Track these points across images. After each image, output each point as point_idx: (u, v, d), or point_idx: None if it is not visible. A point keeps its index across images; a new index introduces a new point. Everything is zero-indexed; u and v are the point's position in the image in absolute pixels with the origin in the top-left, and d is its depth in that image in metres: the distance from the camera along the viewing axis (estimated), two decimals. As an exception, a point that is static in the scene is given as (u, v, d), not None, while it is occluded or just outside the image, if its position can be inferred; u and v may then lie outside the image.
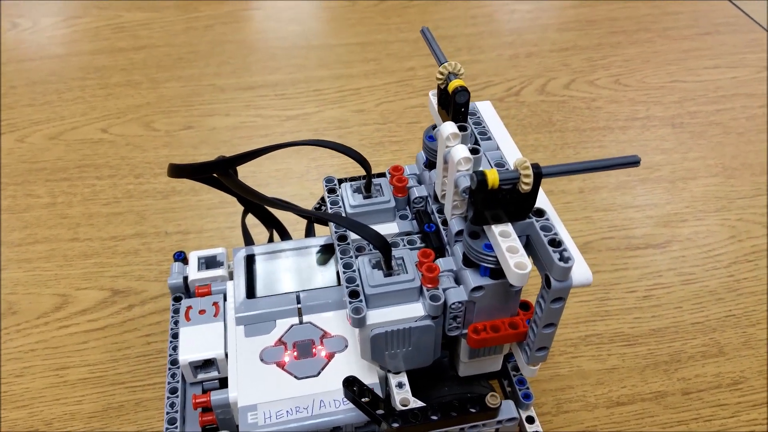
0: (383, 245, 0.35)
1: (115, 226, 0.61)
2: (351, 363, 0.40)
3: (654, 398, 0.48)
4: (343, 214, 0.40)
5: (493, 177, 0.29)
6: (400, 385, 0.37)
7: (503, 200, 0.31)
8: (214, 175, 0.41)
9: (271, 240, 0.51)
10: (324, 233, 0.49)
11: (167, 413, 0.40)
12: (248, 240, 0.50)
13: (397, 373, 0.38)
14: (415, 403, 0.36)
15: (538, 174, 0.29)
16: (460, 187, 0.33)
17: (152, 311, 0.54)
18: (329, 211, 0.41)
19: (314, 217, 0.47)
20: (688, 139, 0.72)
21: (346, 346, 0.41)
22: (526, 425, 0.42)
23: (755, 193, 0.65)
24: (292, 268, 0.45)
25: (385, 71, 0.83)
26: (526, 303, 0.36)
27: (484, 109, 0.40)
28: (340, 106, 0.77)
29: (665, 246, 0.60)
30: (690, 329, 0.53)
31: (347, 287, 0.35)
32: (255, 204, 0.48)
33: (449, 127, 0.34)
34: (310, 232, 0.51)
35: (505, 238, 0.31)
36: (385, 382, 0.39)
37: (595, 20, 0.94)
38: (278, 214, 0.50)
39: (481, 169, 0.30)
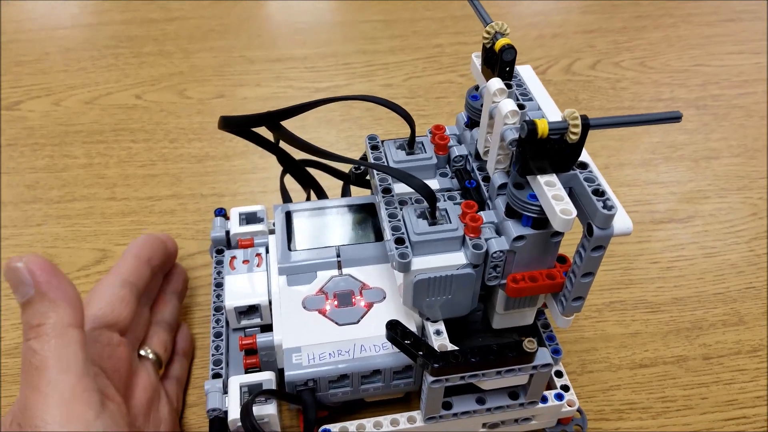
0: (429, 194, 0.36)
1: (152, 188, 0.63)
2: (389, 312, 0.42)
3: (676, 362, 0.50)
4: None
5: (543, 126, 0.31)
6: (438, 333, 0.39)
7: (550, 150, 0.32)
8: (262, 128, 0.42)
9: (308, 200, 0.52)
10: (359, 195, 0.51)
11: (212, 355, 0.42)
12: (286, 198, 0.52)
13: (435, 321, 0.40)
14: (454, 350, 0.38)
15: (586, 125, 0.31)
16: (506, 139, 0.34)
17: (190, 267, 0.55)
18: (372, 166, 0.42)
19: (360, 168, 0.48)
20: (712, 121, 0.74)
21: (384, 298, 0.43)
22: (555, 379, 0.43)
23: (777, 174, 0.66)
24: (330, 224, 0.47)
25: (412, 47, 0.85)
26: (562, 256, 0.38)
27: (525, 72, 0.42)
28: (369, 80, 0.79)
29: (688, 221, 0.61)
30: (711, 299, 0.54)
31: (393, 234, 0.36)
32: (293, 164, 0.50)
33: (496, 83, 0.36)
34: (346, 194, 0.53)
35: (550, 188, 0.32)
36: (421, 332, 0.41)
37: (619, 4, 0.95)
38: (315, 175, 0.52)
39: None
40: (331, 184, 0.52)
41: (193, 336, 0.50)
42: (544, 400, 0.41)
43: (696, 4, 0.96)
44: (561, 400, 0.41)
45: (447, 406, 0.39)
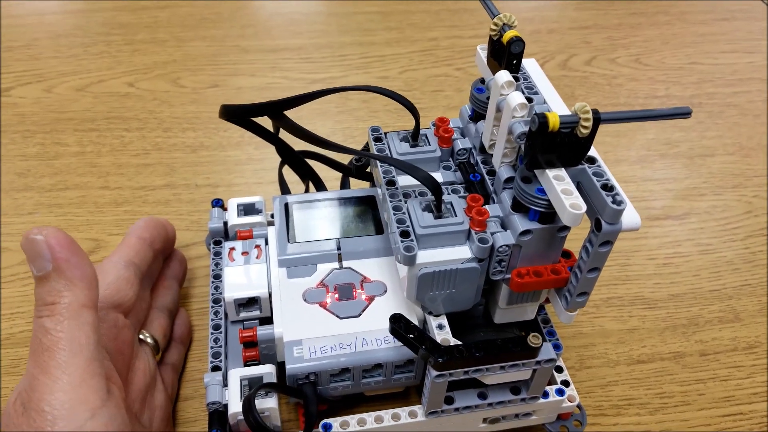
0: (435, 187, 0.36)
1: (145, 177, 0.62)
2: (391, 306, 0.42)
3: (673, 358, 0.50)
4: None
5: (554, 119, 0.30)
6: (440, 327, 0.39)
7: (560, 144, 0.32)
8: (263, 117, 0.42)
9: (307, 191, 0.52)
10: (358, 187, 0.50)
11: (211, 347, 0.41)
12: (285, 190, 0.51)
13: (438, 315, 0.39)
14: (456, 344, 0.37)
15: (597, 119, 0.31)
16: (515, 133, 0.34)
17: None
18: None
19: (361, 160, 0.48)
20: (706, 119, 0.74)
21: (386, 291, 0.43)
22: (555, 375, 0.43)
23: (771, 172, 0.67)
24: (330, 217, 0.46)
25: (408, 40, 0.84)
26: (567, 251, 0.38)
27: (530, 65, 0.41)
28: (364, 72, 0.78)
29: (684, 218, 0.61)
30: (708, 296, 0.54)
31: (398, 227, 0.36)
32: (292, 156, 0.49)
33: (504, 76, 0.35)
34: (345, 186, 0.52)
35: (559, 182, 0.32)
36: (423, 326, 0.41)
37: (614, 1, 0.95)
38: (313, 167, 0.51)
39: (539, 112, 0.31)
40: (328, 175, 0.52)
41: (192, 322, 0.50)
42: (545, 395, 0.41)
43: (690, 3, 0.96)
44: (562, 396, 0.41)
45: (449, 400, 0.39)
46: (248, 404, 0.35)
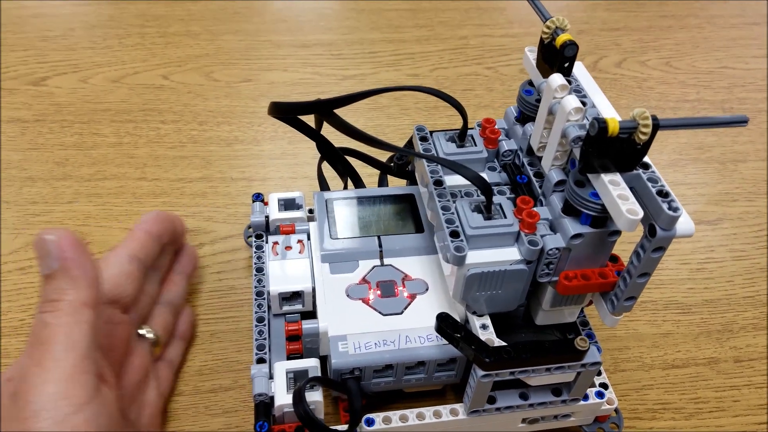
0: (486, 188, 0.36)
1: (182, 169, 0.63)
2: (433, 304, 0.42)
3: (707, 363, 0.50)
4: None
5: (613, 124, 0.31)
6: (484, 327, 0.39)
7: (616, 149, 0.32)
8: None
9: (345, 188, 0.52)
10: (395, 185, 0.51)
11: (256, 340, 0.42)
12: (324, 186, 0.51)
13: (481, 315, 0.40)
14: (500, 344, 0.38)
15: (656, 125, 0.31)
16: (569, 137, 0.34)
17: (222, 250, 0.55)
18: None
19: (402, 158, 0.48)
20: (738, 124, 0.73)
21: (427, 289, 0.43)
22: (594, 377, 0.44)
23: (804, 179, 0.67)
24: (370, 214, 0.47)
25: (438, 38, 0.84)
26: (614, 256, 0.38)
27: (577, 69, 0.41)
28: (395, 70, 0.78)
29: (717, 223, 0.61)
30: (741, 302, 0.54)
31: (447, 227, 0.36)
32: (333, 152, 0.49)
33: (558, 79, 0.36)
34: (382, 184, 0.52)
35: (615, 187, 0.32)
36: (465, 325, 0.41)
37: (644, 3, 0.95)
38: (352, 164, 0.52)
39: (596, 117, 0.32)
40: (363, 172, 0.52)
41: (196, 320, 0.50)
42: (585, 397, 0.41)
43: (721, 6, 0.95)
44: (602, 398, 0.42)
45: (491, 400, 0.39)
46: (299, 396, 0.36)
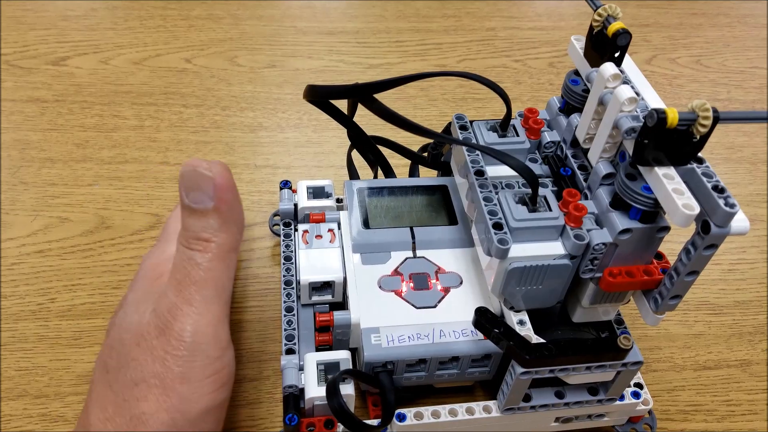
0: (533, 179, 0.35)
1: (205, 155, 0.62)
2: (468, 298, 0.41)
3: (739, 365, 0.49)
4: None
5: (673, 115, 0.29)
6: (521, 323, 0.38)
7: (672, 142, 0.31)
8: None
9: (375, 177, 0.51)
10: (426, 176, 0.49)
11: (285, 330, 0.41)
12: (353, 174, 0.50)
13: (519, 311, 0.39)
14: (538, 341, 0.37)
15: (717, 118, 0.30)
16: (622, 128, 0.33)
17: (245, 238, 0.54)
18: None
19: (437, 148, 0.47)
20: (770, 124, 0.72)
21: (461, 283, 0.42)
22: (628, 377, 0.42)
23: (837, 182, 0.65)
24: (402, 204, 0.46)
25: (465, 29, 0.83)
26: (658, 253, 0.37)
27: (625, 62, 0.40)
28: (422, 59, 0.77)
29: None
30: (775, 305, 0.53)
31: (490, 219, 0.35)
32: (365, 140, 0.48)
33: (610, 68, 0.34)
34: (413, 174, 0.51)
35: (669, 180, 0.31)
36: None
37: (674, 1, 0.93)
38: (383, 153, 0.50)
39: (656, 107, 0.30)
40: (393, 162, 0.51)
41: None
42: (621, 397, 0.40)
43: (752, 5, 0.94)
44: (638, 399, 0.40)
45: (526, 398, 0.38)
46: (333, 389, 0.35)
